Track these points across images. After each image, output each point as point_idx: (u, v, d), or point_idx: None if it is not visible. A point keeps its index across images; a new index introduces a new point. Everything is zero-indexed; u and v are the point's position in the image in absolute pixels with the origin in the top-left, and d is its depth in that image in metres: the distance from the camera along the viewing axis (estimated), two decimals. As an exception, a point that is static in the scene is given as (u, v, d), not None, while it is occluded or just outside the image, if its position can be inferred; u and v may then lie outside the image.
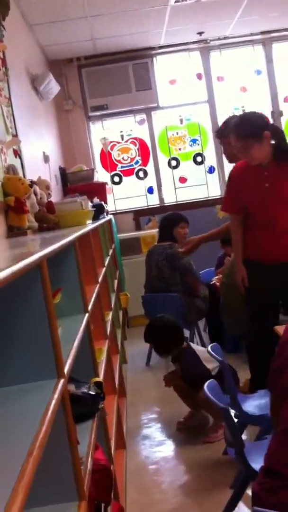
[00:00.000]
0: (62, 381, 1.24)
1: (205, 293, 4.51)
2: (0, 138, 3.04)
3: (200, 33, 6.07)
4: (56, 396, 1.15)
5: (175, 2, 4.95)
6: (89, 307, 2.08)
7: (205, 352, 3.16)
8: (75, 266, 2.02)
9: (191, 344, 3.32)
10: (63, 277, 2.03)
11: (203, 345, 4.47)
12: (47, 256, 1.28)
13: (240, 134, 2.93)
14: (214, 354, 2.56)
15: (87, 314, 1.99)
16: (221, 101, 6.64)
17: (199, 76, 6.62)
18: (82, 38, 5.67)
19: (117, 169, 6.72)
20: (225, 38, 6.32)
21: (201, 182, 6.69)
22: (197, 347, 3.30)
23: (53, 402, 1.12)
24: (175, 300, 4.31)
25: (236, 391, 2.60)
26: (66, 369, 1.30)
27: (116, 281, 4.79)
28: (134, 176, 6.71)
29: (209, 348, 2.64)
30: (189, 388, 3.17)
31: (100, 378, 1.98)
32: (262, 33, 6.36)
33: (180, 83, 6.62)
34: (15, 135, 3.47)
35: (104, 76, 6.35)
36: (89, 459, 1.50)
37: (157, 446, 3.14)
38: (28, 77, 4.52)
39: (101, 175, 6.56)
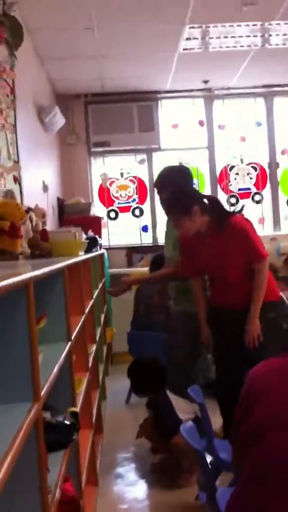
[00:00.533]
0: (37, 404, 1.23)
1: None
2: (1, 163, 3.08)
3: (205, 82, 6.25)
4: (29, 418, 1.14)
5: (183, 49, 5.11)
6: (73, 336, 2.08)
7: (180, 402, 3.13)
8: (63, 293, 2.03)
9: (168, 392, 3.26)
10: (49, 303, 2.03)
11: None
12: (35, 279, 1.29)
13: (170, 211, 3.11)
14: (194, 396, 2.54)
15: (70, 343, 1.99)
16: (221, 149, 6.79)
17: (201, 123, 6.78)
18: (91, 76, 5.82)
19: (114, 205, 6.80)
20: (228, 88, 6.51)
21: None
22: (172, 396, 3.24)
23: (26, 424, 1.11)
24: (160, 338, 4.29)
25: (213, 436, 2.57)
26: (42, 393, 1.30)
27: (103, 315, 4.78)
28: (130, 213, 6.79)
29: (189, 390, 2.62)
30: (159, 437, 3.14)
31: (77, 408, 1.96)
32: (264, 86, 6.56)
33: (182, 127, 6.77)
34: (17, 162, 3.52)
35: (109, 114, 6.50)
36: (58, 489, 1.47)
37: (129, 486, 3.08)
38: (35, 108, 4.62)
39: (98, 210, 6.63)
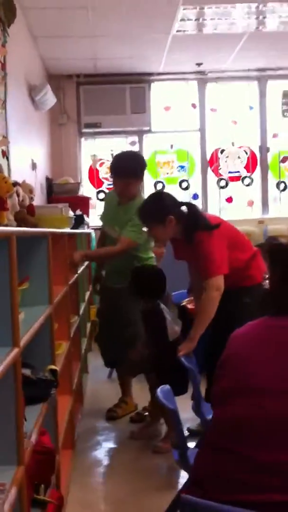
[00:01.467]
0: (16, 350, 1.33)
1: (175, 313, 4.61)
2: (-10, 137, 3.15)
3: (199, 64, 6.30)
4: (8, 359, 1.23)
5: (177, 31, 5.16)
6: (54, 301, 2.17)
7: (169, 322, 3.17)
8: (46, 259, 2.11)
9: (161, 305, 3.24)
10: (32, 269, 2.12)
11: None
12: (17, 234, 1.38)
13: (143, 220, 3.11)
14: (163, 400, 2.45)
15: (51, 306, 2.08)
16: (212, 132, 6.87)
17: (193, 106, 6.84)
18: (83, 56, 5.85)
19: (104, 186, 6.86)
20: (222, 71, 6.56)
21: (183, 207, 6.85)
22: (165, 308, 3.23)
23: (4, 364, 1.20)
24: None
25: (201, 399, 2.65)
26: (21, 341, 1.39)
27: (88, 293, 4.87)
28: (119, 194, 6.84)
29: (158, 391, 2.52)
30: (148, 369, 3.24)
31: (56, 367, 2.06)
32: (258, 70, 6.62)
33: (174, 110, 6.83)
34: (5, 137, 3.58)
35: (101, 95, 6.54)
36: (34, 435, 1.57)
37: (107, 452, 3.20)
38: (26, 86, 4.66)
39: (87, 190, 6.69)
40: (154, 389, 3.29)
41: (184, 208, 3.07)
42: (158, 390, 2.27)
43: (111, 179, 3.75)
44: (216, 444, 1.58)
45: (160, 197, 3.22)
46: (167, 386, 2.36)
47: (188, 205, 3.13)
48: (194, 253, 3.01)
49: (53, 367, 1.98)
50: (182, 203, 3.14)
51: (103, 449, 3.24)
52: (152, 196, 3.30)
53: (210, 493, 1.49)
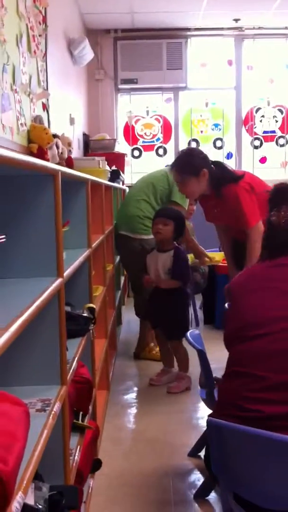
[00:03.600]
0: (60, 280, 1.44)
1: (205, 270, 4.71)
2: (32, 89, 3.22)
3: (236, 20, 6.19)
4: (53, 286, 1.35)
5: (215, -15, 5.08)
6: (93, 245, 2.28)
7: None
8: (85, 204, 2.21)
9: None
10: (72, 214, 2.23)
11: (197, 321, 4.74)
12: (62, 173, 1.47)
13: (179, 172, 3.20)
14: (193, 342, 2.52)
15: (90, 249, 2.19)
16: (248, 90, 6.78)
17: (229, 63, 6.75)
18: (121, 10, 5.82)
19: (139, 143, 6.90)
20: (259, 28, 6.44)
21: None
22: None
23: (49, 290, 1.31)
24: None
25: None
26: (65, 272, 1.50)
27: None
28: (154, 152, 6.89)
29: (188, 335, 2.40)
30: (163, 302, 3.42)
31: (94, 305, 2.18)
32: (297, 28, 6.47)
33: (210, 67, 6.75)
34: (46, 89, 3.65)
35: (138, 50, 6.51)
36: (74, 363, 1.70)
37: (137, 395, 3.36)
38: (65, 40, 4.69)
39: (122, 147, 6.74)
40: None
41: (212, 166, 3.23)
42: (188, 333, 2.38)
43: None
44: (233, 372, 1.72)
45: (194, 151, 3.32)
46: (196, 331, 2.47)
47: (215, 162, 3.29)
48: (225, 207, 3.15)
49: (91, 305, 2.10)
50: (211, 161, 3.29)
51: (134, 393, 3.40)
52: (186, 150, 3.38)
53: (227, 410, 1.63)
